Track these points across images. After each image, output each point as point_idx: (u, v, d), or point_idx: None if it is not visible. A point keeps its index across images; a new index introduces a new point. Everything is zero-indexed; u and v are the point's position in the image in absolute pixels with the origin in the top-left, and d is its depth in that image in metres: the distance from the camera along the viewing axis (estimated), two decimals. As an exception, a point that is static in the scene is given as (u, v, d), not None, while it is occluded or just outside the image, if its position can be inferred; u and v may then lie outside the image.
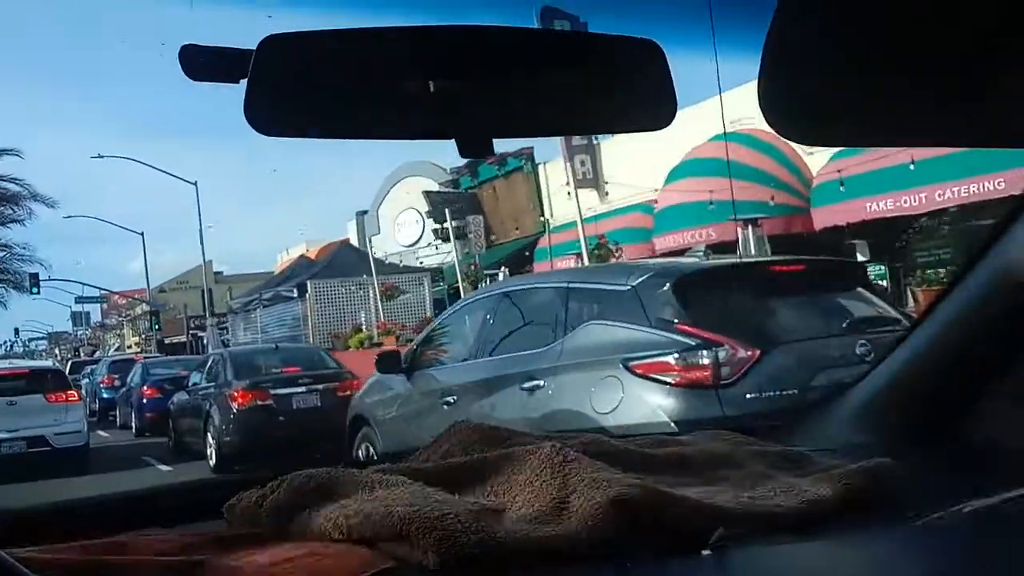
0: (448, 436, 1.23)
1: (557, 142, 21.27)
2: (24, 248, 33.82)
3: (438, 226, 25.70)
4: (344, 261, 22.74)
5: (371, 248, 22.26)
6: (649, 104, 0.93)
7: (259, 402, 12.00)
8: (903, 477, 1.12)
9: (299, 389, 12.29)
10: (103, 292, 48.25)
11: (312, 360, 13.81)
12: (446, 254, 26.11)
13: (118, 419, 21.05)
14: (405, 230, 28.68)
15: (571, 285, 5.77)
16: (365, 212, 30.30)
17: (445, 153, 28.31)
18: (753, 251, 11.75)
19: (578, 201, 17.78)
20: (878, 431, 1.43)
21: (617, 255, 16.98)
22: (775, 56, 0.70)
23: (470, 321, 6.67)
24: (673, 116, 0.92)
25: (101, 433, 19.15)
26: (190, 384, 14.40)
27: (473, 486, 1.06)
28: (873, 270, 14.09)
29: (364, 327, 19.34)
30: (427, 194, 25.15)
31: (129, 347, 50.92)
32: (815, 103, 0.74)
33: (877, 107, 0.75)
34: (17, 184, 30.56)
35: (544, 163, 23.94)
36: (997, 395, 1.34)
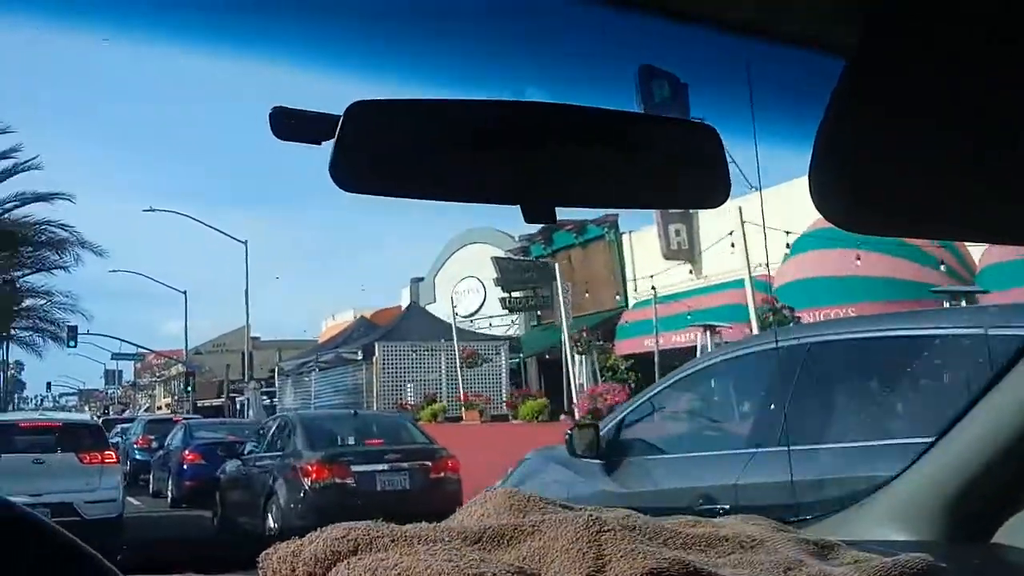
0: (484, 500, 1.23)
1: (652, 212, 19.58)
2: (67, 296, 32.18)
3: (506, 295, 23.91)
4: (414, 324, 20.90)
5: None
6: (704, 184, 0.97)
7: (337, 479, 10.03)
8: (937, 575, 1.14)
9: (383, 466, 10.23)
10: (140, 350, 46.69)
11: (398, 431, 11.80)
12: (509, 326, 24.15)
13: (151, 485, 18.82)
14: (465, 299, 26.76)
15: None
16: (421, 279, 28.68)
17: (510, 220, 26.80)
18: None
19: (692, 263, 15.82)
20: (911, 529, 1.46)
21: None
22: (827, 145, 0.71)
23: (719, 390, 4.58)
24: (727, 196, 0.96)
25: (132, 501, 16.92)
26: (245, 451, 12.42)
27: (509, 549, 1.07)
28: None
29: (439, 397, 17.35)
30: (497, 260, 23.36)
31: (159, 408, 49.21)
32: (866, 193, 0.74)
33: (929, 199, 0.75)
34: (66, 230, 29.00)
35: (630, 232, 22.09)
36: None
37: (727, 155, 0.96)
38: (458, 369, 18.02)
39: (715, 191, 0.97)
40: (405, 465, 10.34)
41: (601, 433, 4.86)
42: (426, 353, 19.18)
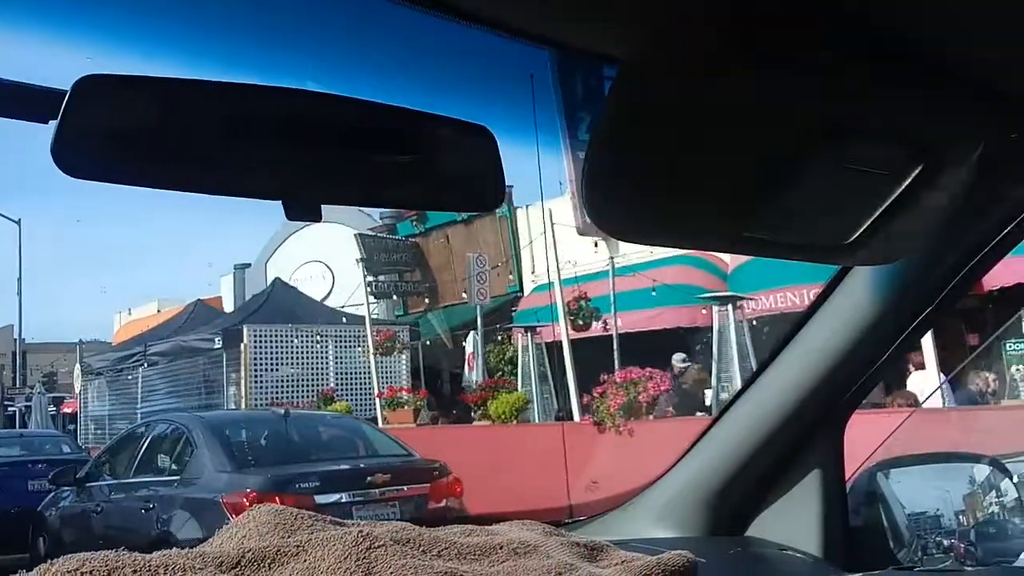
0: (247, 519, 1.15)
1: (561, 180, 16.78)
2: None
3: (372, 278, 20.29)
4: (281, 304, 16.50)
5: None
6: (478, 185, 0.95)
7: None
8: (700, 570, 1.17)
9: (361, 495, 6.67)
10: None
11: (358, 440, 8.14)
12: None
13: None
14: (307, 287, 22.56)
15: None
16: (247, 265, 24.25)
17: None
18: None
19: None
20: (676, 526, 1.54)
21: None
22: (597, 153, 0.73)
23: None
24: (501, 199, 0.94)
25: None
26: (88, 473, 8.38)
27: (271, 573, 1.01)
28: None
29: (335, 395, 13.63)
30: (361, 239, 19.66)
31: None
32: (634, 202, 0.76)
33: (692, 208, 0.78)
34: None
35: (526, 206, 19.08)
36: (777, 497, 1.50)
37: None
38: (371, 357, 14.28)
39: (489, 194, 0.94)
40: (394, 491, 6.81)
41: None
42: (312, 338, 15.12)
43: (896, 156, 0.82)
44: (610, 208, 0.76)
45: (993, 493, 1.54)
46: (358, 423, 9.33)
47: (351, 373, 15.44)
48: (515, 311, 17.30)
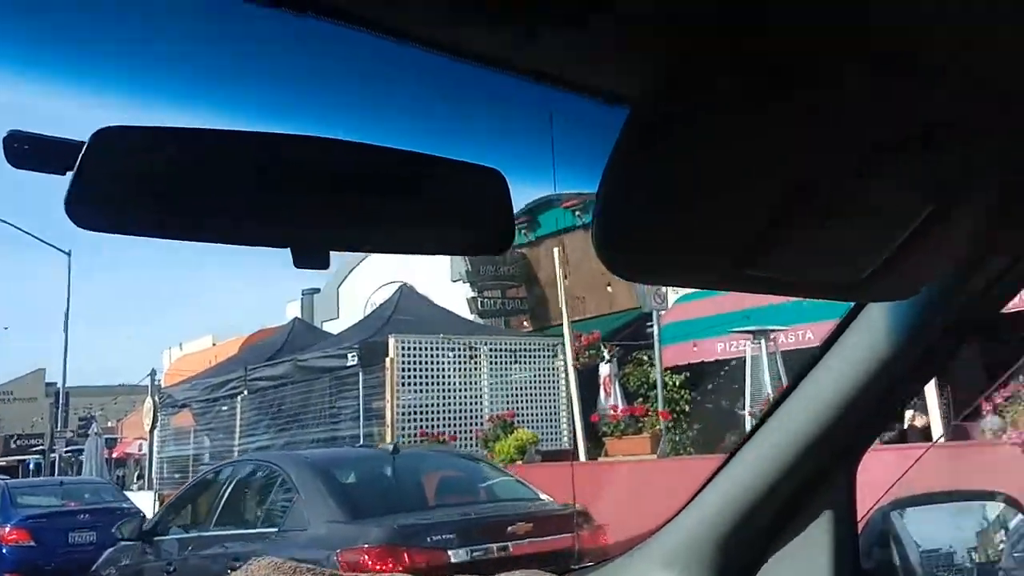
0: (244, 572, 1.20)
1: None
2: None
3: (475, 295, 18.68)
4: (414, 314, 14.13)
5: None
6: (489, 228, 0.94)
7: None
8: None
9: (502, 550, 5.10)
10: None
11: (478, 481, 6.58)
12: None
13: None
14: (389, 310, 21.02)
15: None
16: (316, 291, 22.80)
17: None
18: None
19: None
20: (684, 572, 1.50)
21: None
22: (609, 195, 0.73)
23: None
24: (511, 240, 0.93)
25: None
26: (147, 526, 7.04)
27: None
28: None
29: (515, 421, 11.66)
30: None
31: None
32: (645, 242, 0.77)
33: (706, 249, 0.79)
34: None
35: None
36: (788, 540, 1.47)
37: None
38: (569, 369, 11.96)
39: (499, 237, 0.92)
40: (536, 543, 5.24)
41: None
42: (463, 351, 12.58)
43: (913, 194, 0.83)
44: (621, 248, 0.76)
45: (1004, 531, 1.52)
46: (476, 460, 7.71)
47: (528, 392, 13.33)
48: (650, 327, 15.42)
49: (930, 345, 1.37)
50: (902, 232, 0.85)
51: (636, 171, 0.72)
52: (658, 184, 0.73)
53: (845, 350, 1.38)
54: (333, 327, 19.04)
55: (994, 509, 1.58)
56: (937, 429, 8.51)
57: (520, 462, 11.00)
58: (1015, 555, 1.52)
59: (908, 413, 9.66)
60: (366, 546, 4.99)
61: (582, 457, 12.02)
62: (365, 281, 20.89)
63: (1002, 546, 1.54)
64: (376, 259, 21.40)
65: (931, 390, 8.20)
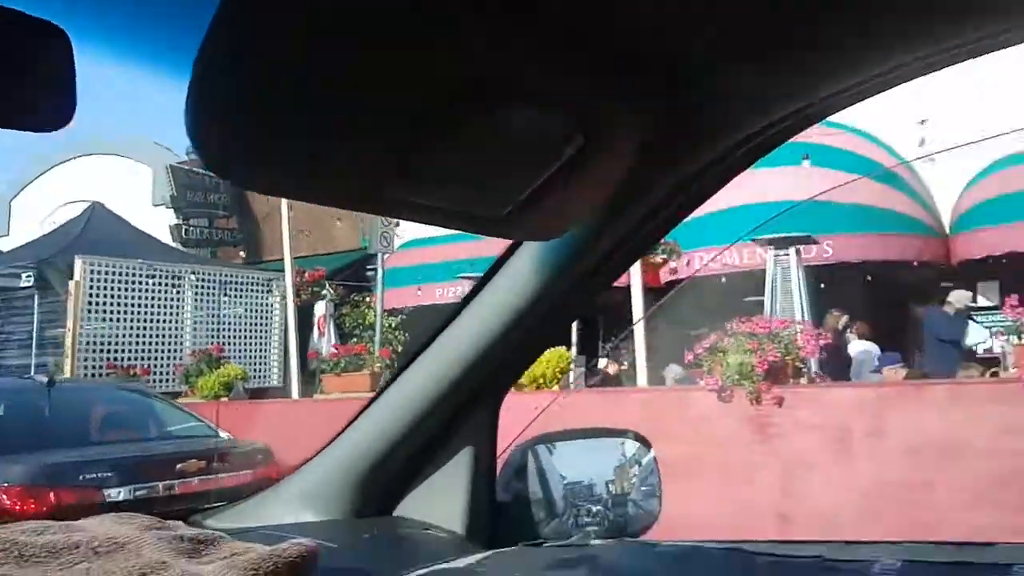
0: None
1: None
2: None
3: (181, 222, 17.64)
4: (107, 236, 12.98)
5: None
6: (43, 99, 0.81)
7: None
8: (332, 554, 1.14)
9: (167, 489, 4.80)
10: None
11: (149, 418, 6.23)
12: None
13: None
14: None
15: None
16: None
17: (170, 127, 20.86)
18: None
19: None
20: (322, 509, 1.48)
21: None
22: (208, 76, 0.58)
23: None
24: (71, 116, 0.80)
25: None
26: None
27: None
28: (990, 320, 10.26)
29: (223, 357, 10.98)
30: (173, 171, 16.98)
31: None
32: (248, 144, 0.63)
33: (327, 162, 0.68)
34: None
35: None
36: (428, 476, 1.50)
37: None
38: (289, 305, 11.41)
39: (58, 109, 0.79)
40: (208, 481, 5.03)
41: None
42: (165, 280, 11.80)
43: (552, 126, 0.76)
44: (227, 147, 0.61)
45: (637, 466, 1.62)
46: (149, 396, 7.26)
47: (238, 328, 12.79)
48: (371, 269, 15.26)
49: (572, 287, 1.37)
50: (548, 166, 0.79)
51: (233, 59, 0.57)
52: (262, 77, 0.58)
53: (489, 293, 1.39)
54: (2, 244, 17.26)
55: (631, 447, 1.68)
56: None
57: (226, 398, 10.72)
58: (643, 488, 1.62)
59: (602, 361, 10.34)
60: (5, 484, 4.53)
61: (295, 395, 11.88)
62: (44, 198, 19.06)
63: (635, 480, 1.64)
64: (60, 173, 19.57)
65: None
